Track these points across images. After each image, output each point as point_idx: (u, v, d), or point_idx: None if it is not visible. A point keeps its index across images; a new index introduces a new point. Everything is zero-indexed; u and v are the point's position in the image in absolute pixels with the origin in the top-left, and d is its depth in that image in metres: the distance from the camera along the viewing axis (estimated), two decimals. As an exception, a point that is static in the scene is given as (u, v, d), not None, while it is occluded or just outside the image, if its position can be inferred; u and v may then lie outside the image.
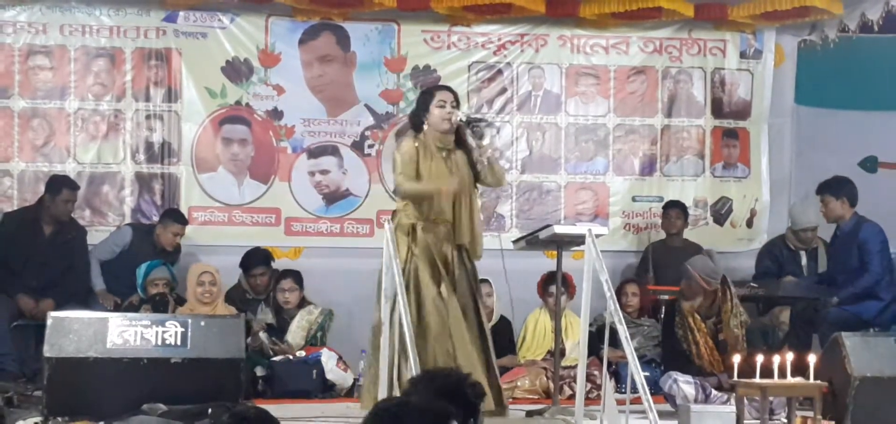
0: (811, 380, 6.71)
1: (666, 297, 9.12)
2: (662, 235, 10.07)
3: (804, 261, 9.61)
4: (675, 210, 9.95)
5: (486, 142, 6.96)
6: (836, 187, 8.82)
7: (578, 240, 7.20)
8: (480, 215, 7.12)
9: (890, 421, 6.90)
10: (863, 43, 10.11)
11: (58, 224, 9.03)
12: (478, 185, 7.08)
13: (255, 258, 9.27)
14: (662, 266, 9.61)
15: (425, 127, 6.99)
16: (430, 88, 7.43)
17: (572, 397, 7.30)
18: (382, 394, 6.55)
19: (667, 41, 10.25)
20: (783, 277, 9.41)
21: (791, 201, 10.12)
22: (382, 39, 9.99)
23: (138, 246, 9.20)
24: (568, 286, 8.71)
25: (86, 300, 8.90)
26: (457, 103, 7.04)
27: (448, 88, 7.19)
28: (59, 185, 9.05)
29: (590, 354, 7.11)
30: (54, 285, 8.86)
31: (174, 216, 9.35)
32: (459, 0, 9.56)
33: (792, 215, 9.77)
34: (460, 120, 6.95)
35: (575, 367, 7.20)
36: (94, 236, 9.40)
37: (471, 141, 6.95)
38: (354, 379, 8.40)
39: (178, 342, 6.61)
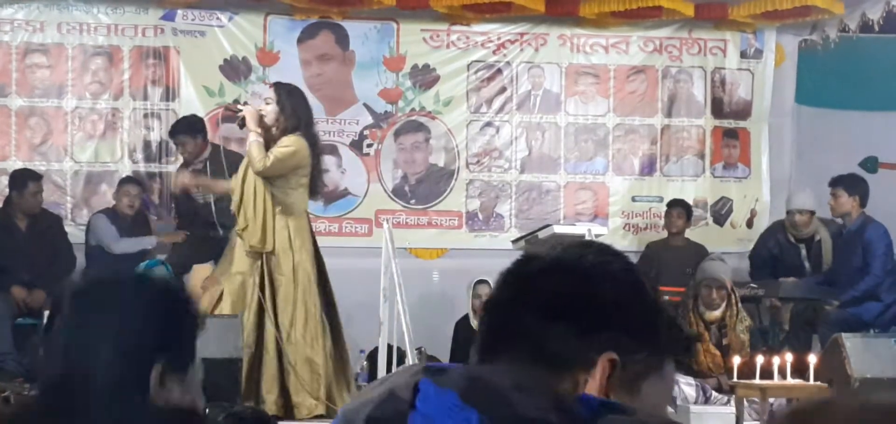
0: (811, 381, 6.69)
1: (665, 298, 9.08)
2: (662, 235, 10.04)
3: (804, 254, 9.45)
4: (676, 209, 9.85)
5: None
6: (851, 184, 8.79)
7: (578, 240, 7.17)
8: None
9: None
10: (863, 43, 10.08)
11: (31, 218, 8.98)
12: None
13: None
14: (663, 267, 9.55)
15: None
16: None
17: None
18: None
19: (667, 41, 10.21)
20: (778, 272, 9.34)
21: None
22: (381, 38, 9.96)
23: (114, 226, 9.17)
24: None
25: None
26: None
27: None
28: (24, 179, 8.96)
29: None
30: (43, 276, 8.83)
31: (130, 180, 9.33)
32: (459, -2, 9.55)
33: (788, 197, 9.63)
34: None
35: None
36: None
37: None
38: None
39: (176, 342, 6.57)
